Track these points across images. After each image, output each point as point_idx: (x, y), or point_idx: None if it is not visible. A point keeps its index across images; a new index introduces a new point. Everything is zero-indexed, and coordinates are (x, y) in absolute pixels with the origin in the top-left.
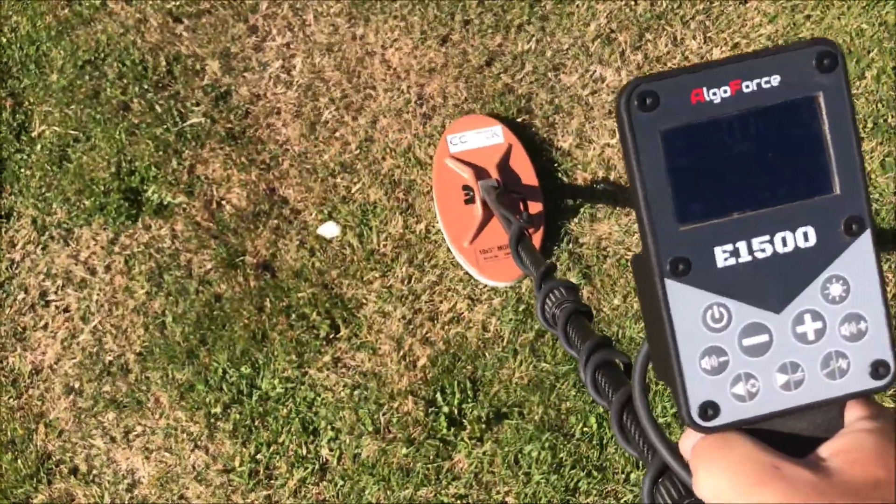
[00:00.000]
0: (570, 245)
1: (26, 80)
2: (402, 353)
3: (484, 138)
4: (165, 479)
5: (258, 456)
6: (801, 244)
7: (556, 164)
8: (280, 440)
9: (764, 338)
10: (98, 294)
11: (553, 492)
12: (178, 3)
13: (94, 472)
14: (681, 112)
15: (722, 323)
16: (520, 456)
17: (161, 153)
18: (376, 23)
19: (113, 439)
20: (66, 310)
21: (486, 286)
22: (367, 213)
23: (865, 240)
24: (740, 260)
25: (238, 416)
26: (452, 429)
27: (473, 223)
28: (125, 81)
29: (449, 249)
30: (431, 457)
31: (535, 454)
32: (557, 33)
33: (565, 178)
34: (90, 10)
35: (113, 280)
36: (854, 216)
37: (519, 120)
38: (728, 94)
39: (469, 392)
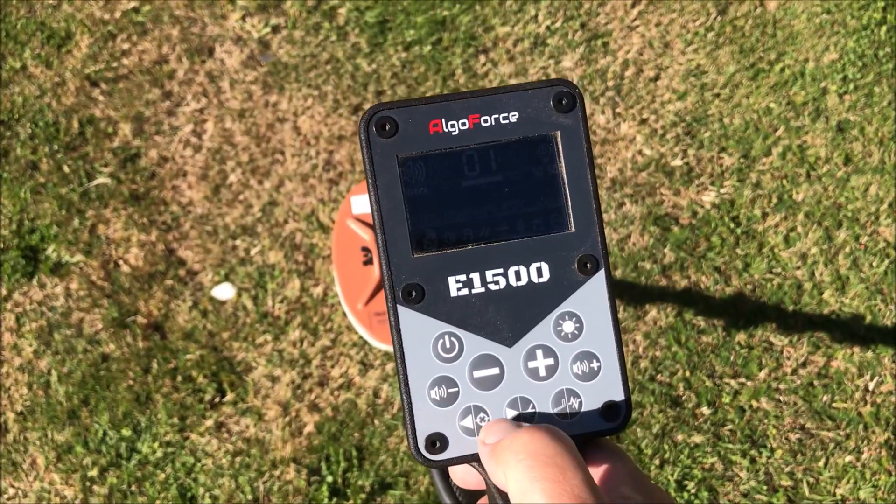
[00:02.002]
0: None
1: None
2: (288, 419)
3: None
4: None
5: None
6: (535, 279)
7: None
8: None
9: (495, 371)
10: None
11: None
12: (97, 67)
13: None
14: (418, 141)
15: (453, 353)
16: None
17: (64, 212)
18: (290, 91)
19: None
20: None
21: (380, 351)
22: (265, 276)
23: (599, 279)
24: (474, 291)
25: (115, 480)
26: (335, 499)
27: (370, 285)
28: (36, 142)
29: (344, 313)
30: None
31: None
32: None
33: None
34: (9, 72)
35: (1, 337)
36: (588, 255)
37: None
38: (466, 126)
39: (354, 461)
